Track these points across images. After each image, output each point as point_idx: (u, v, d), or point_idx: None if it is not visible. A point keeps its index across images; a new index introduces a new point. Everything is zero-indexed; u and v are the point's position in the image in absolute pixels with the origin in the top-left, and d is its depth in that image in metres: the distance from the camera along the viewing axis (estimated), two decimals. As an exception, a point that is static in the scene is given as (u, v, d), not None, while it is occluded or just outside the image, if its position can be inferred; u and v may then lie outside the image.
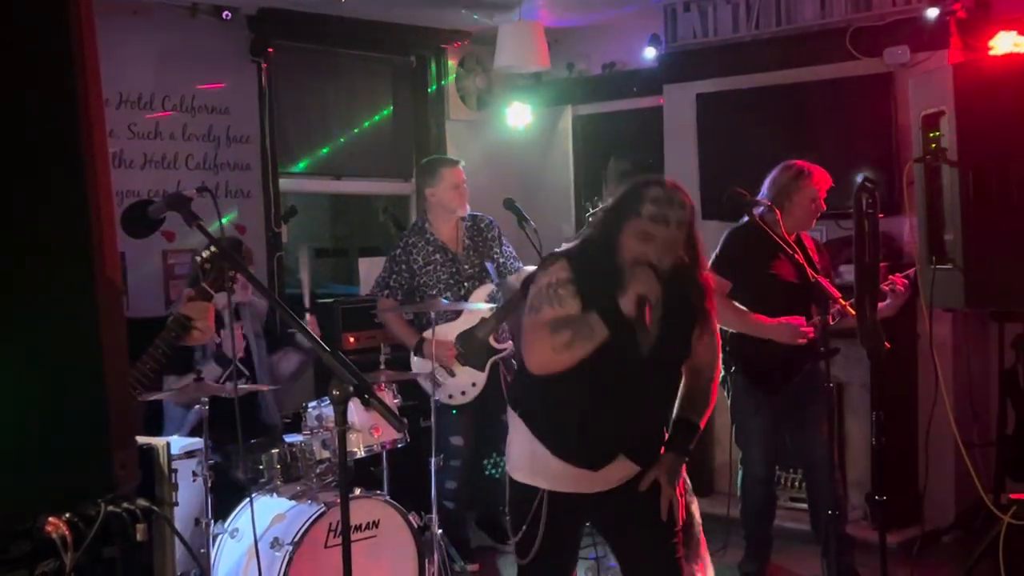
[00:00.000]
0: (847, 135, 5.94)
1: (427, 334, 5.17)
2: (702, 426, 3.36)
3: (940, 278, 4.46)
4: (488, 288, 5.41)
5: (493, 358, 5.36)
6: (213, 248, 3.75)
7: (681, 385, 3.35)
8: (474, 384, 5.34)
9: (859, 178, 3.82)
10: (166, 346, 3.71)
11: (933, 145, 4.47)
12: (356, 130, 7.33)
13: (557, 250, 3.30)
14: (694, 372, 3.37)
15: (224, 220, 5.96)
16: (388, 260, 5.46)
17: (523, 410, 3.30)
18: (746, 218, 4.89)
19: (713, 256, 4.94)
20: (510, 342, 5.44)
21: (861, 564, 4.98)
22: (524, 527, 3.25)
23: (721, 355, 4.86)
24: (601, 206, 3.28)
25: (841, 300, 4.43)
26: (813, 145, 5.97)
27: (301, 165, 7.02)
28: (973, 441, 5.37)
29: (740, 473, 5.11)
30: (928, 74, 4.97)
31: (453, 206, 5.36)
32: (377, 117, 7.45)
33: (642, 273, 2.99)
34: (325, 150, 7.16)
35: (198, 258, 3.84)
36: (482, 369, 5.34)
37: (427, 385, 5.07)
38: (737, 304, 4.78)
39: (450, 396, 5.32)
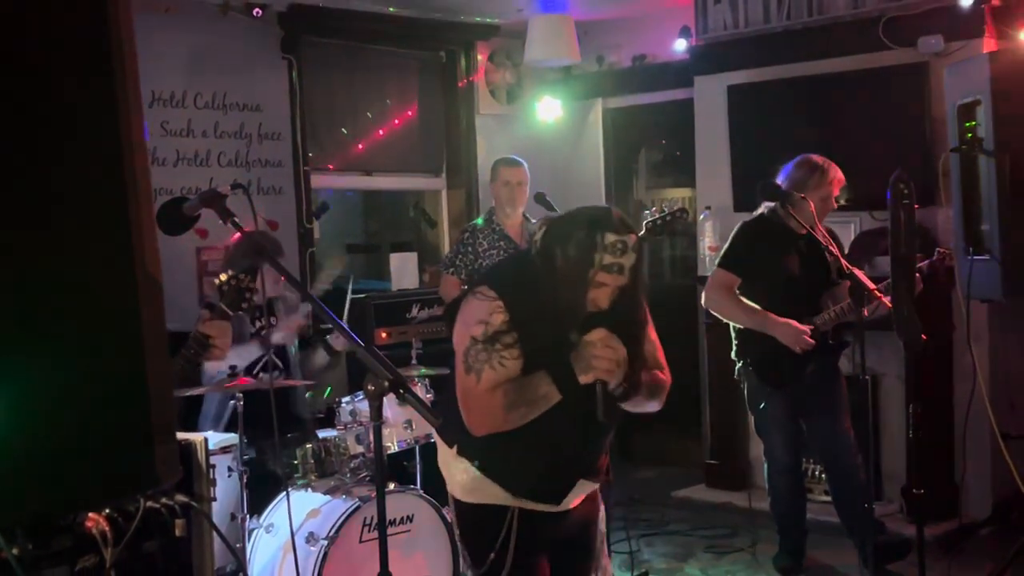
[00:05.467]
0: (881, 126, 5.89)
1: None
2: (639, 383, 2.95)
3: (977, 269, 4.42)
4: None
5: None
6: (230, 272, 3.81)
7: None
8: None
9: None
10: (186, 363, 3.75)
11: (969, 135, 4.44)
12: (386, 125, 7.34)
13: (488, 274, 3.00)
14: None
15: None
16: (456, 242, 5.78)
17: (466, 451, 2.99)
18: (759, 211, 4.88)
19: (723, 250, 4.95)
20: None
21: (897, 557, 4.95)
22: (493, 552, 2.96)
23: (733, 349, 4.94)
24: (548, 234, 2.89)
25: (878, 292, 4.39)
26: (846, 136, 5.93)
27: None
28: (1010, 433, 5.31)
29: (765, 465, 5.11)
30: (963, 63, 4.92)
31: (502, 201, 5.63)
32: (407, 112, 7.46)
33: (603, 354, 2.75)
34: (356, 146, 7.18)
35: (216, 280, 3.87)
36: None
37: None
38: (744, 300, 4.79)
39: None
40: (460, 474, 3.02)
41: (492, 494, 2.98)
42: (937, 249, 4.91)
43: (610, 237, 2.80)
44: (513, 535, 2.95)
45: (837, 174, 4.81)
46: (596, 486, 3.14)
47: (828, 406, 4.91)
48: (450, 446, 3.03)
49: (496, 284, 2.89)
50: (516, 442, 2.89)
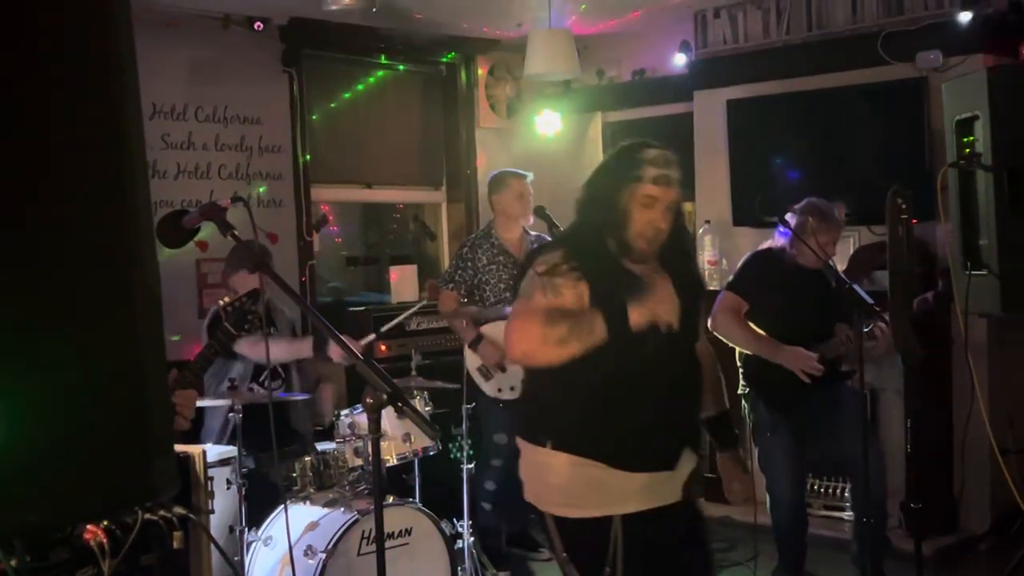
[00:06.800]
0: (879, 140, 5.90)
1: (484, 330, 5.37)
2: (728, 405, 3.20)
3: (975, 284, 4.43)
4: None
5: None
6: (232, 297, 3.77)
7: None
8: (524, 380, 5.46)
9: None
10: None
11: (967, 150, 4.45)
12: (386, 139, 7.35)
13: (551, 239, 3.12)
14: (702, 358, 3.15)
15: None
16: (455, 257, 5.72)
17: (563, 439, 2.91)
18: (767, 244, 4.86)
19: (732, 276, 4.93)
20: None
21: (897, 572, 4.94)
22: (608, 567, 2.85)
23: (739, 381, 4.90)
24: (585, 186, 3.02)
25: (876, 310, 4.38)
26: (845, 151, 5.95)
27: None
28: (1009, 447, 5.31)
29: (768, 499, 5.01)
30: (961, 78, 4.94)
31: (515, 214, 5.57)
32: (407, 125, 7.48)
33: (661, 291, 2.79)
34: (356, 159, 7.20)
35: (220, 303, 3.78)
36: None
37: (478, 378, 5.33)
38: (752, 326, 4.76)
39: (499, 390, 5.40)
40: (555, 478, 2.91)
41: (593, 502, 2.89)
42: (936, 290, 4.84)
43: (652, 152, 2.83)
44: (620, 546, 2.84)
45: (839, 223, 4.79)
46: (698, 461, 3.02)
47: (845, 423, 4.81)
48: (543, 444, 2.93)
49: (557, 240, 3.08)
50: (606, 414, 2.85)
